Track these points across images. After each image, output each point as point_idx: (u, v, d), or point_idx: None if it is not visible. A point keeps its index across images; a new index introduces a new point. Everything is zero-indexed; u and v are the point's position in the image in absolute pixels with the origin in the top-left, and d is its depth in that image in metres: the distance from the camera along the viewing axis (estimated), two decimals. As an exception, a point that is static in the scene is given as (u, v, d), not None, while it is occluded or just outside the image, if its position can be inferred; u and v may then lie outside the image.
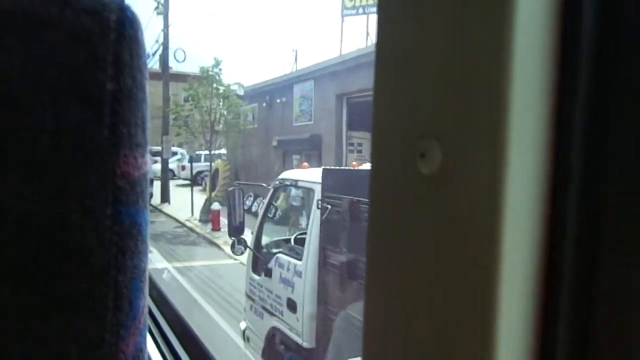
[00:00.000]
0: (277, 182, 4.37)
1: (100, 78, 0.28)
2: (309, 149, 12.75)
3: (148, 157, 0.31)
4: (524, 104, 0.25)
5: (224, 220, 12.57)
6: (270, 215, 4.60)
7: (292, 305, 3.75)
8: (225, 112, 14.68)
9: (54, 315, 0.28)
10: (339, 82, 11.45)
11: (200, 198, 14.43)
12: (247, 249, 4.24)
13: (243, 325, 4.66)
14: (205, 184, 16.83)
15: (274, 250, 4.38)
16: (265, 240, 4.53)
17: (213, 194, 14.85)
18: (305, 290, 3.62)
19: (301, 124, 13.30)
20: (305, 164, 4.54)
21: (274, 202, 4.56)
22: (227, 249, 10.71)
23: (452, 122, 0.27)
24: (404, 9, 0.30)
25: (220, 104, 14.59)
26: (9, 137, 0.26)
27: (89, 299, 0.28)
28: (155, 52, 17.08)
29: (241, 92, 14.80)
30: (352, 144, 12.15)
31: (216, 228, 12.19)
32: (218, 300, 7.21)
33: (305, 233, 4.40)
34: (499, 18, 0.25)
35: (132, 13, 0.29)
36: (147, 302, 0.32)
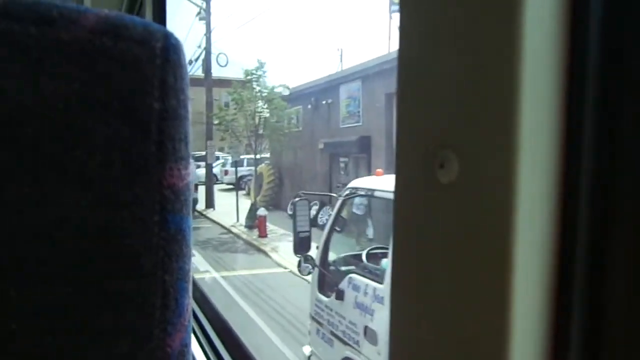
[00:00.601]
0: (347, 192, 3.85)
1: (148, 100, 0.30)
2: (358, 152, 12.22)
3: (190, 168, 0.33)
4: (535, 116, 0.27)
5: (270, 226, 12.37)
6: (339, 229, 4.08)
7: (371, 336, 3.24)
8: (268, 115, 14.36)
9: (108, 312, 0.30)
10: (388, 81, 10.87)
11: (243, 203, 14.16)
12: (315, 268, 3.73)
13: (307, 350, 4.17)
14: (249, 189, 16.60)
15: (343, 268, 3.88)
16: (332, 255, 4.03)
17: (258, 198, 14.57)
18: (389, 320, 3.09)
19: (348, 126, 12.79)
20: (380, 170, 3.97)
21: (342, 214, 4.04)
22: (275, 256, 10.42)
23: (468, 134, 0.29)
24: (423, 26, 0.32)
25: (265, 106, 14.28)
26: (67, 154, 0.29)
27: (139, 298, 0.31)
28: (198, 57, 17.02)
29: (286, 94, 14.45)
30: (403, 146, 11.52)
31: (262, 234, 11.91)
32: (273, 316, 6.76)
33: (378, 248, 3.87)
34: (508, 37, 0.26)
35: (176, 39, 0.32)
36: (191, 300, 0.34)
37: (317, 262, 3.85)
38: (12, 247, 0.29)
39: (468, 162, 0.29)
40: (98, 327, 0.30)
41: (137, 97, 0.30)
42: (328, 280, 3.87)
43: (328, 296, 3.80)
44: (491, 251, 0.28)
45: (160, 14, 1.83)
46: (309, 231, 3.70)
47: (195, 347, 1.36)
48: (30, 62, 0.29)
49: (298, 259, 3.71)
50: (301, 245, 3.70)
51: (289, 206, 14.74)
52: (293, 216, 3.76)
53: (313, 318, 4.03)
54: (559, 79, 0.27)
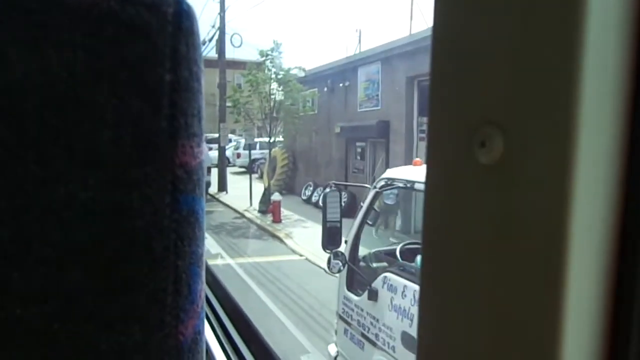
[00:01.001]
0: (382, 183, 3.53)
1: (159, 71, 0.28)
2: (376, 137, 11.88)
3: (204, 146, 0.32)
4: (597, 98, 0.24)
5: (284, 211, 12.15)
6: (371, 222, 3.77)
7: (410, 343, 2.96)
8: (283, 98, 14.03)
9: (118, 298, 0.29)
10: (409, 63, 10.46)
11: (255, 186, 13.94)
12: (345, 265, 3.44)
13: (333, 350, 3.91)
14: (262, 172, 16.38)
15: (375, 265, 3.59)
16: (362, 250, 3.74)
17: (271, 181, 14.34)
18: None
19: (366, 110, 12.42)
20: (418, 159, 3.63)
21: (375, 207, 3.73)
22: (290, 243, 10.21)
23: (518, 111, 0.26)
24: None
25: (280, 89, 13.94)
26: (74, 130, 0.27)
27: (151, 283, 0.29)
28: (212, 38, 16.66)
29: (302, 76, 14.08)
30: (423, 131, 11.13)
31: (277, 219, 11.72)
32: (292, 308, 6.53)
33: (413, 243, 3.57)
34: (571, 3, 0.23)
35: (188, 5, 0.29)
36: (204, 286, 0.32)
37: (347, 257, 3.56)
38: (16, 229, 0.27)
39: (515, 140, 0.26)
40: (107, 314, 0.29)
41: (146, 67, 0.28)
42: (358, 278, 3.58)
43: (358, 295, 3.52)
44: (540, 244, 0.25)
45: None
46: (340, 225, 3.40)
47: (211, 338, 1.28)
48: (33, 27, 0.26)
49: (328, 255, 3.41)
50: (331, 240, 3.40)
51: (303, 191, 14.68)
52: (323, 208, 3.44)
53: (340, 317, 3.76)
54: (627, 55, 0.24)
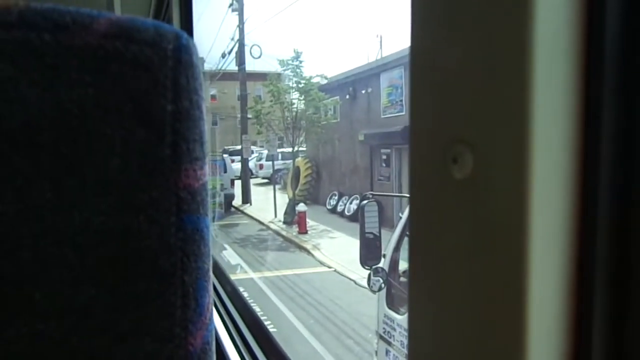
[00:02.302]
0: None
1: (161, 102, 0.30)
2: (401, 143, 11.58)
3: (207, 168, 0.33)
4: (550, 110, 0.26)
5: (309, 222, 11.95)
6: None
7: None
8: (303, 107, 13.88)
9: (130, 312, 0.30)
10: (434, 66, 10.16)
11: (279, 197, 13.77)
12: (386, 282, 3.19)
13: (374, 372, 3.65)
14: (284, 183, 16.23)
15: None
16: (403, 264, 3.48)
17: (295, 192, 14.16)
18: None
19: (390, 116, 12.15)
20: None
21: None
22: (318, 255, 9.99)
23: (481, 128, 0.28)
24: (435, 19, 0.31)
25: (301, 98, 13.80)
26: (85, 160, 0.30)
27: (160, 298, 0.31)
28: (231, 50, 16.68)
29: (324, 83, 13.93)
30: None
31: (302, 230, 11.51)
32: (327, 326, 6.27)
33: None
34: (521, 30, 0.26)
35: (187, 39, 0.31)
36: (212, 299, 0.34)
37: (387, 272, 3.30)
38: (36, 252, 0.29)
39: (482, 157, 0.28)
40: (121, 327, 0.30)
41: (150, 99, 0.30)
42: (399, 294, 3.32)
43: (400, 313, 3.26)
44: (506, 248, 0.27)
45: (186, 14, 1.86)
46: (380, 238, 3.16)
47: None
48: (46, 69, 0.29)
49: (367, 272, 3.16)
50: (370, 255, 3.16)
51: (327, 200, 14.47)
52: (360, 221, 3.21)
53: (381, 337, 3.50)
54: (576, 72, 0.26)
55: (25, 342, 0.29)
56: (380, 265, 3.19)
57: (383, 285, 3.17)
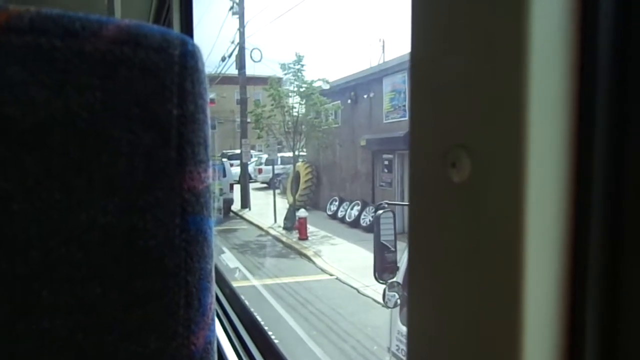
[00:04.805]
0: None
1: (167, 106, 0.31)
2: (404, 148, 11.40)
3: (210, 171, 0.34)
4: (546, 116, 0.27)
5: (309, 228, 11.74)
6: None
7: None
8: (304, 111, 13.70)
9: (135, 311, 0.31)
10: (438, 71, 10.01)
11: (278, 202, 13.55)
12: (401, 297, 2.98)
13: (385, 390, 3.44)
14: (284, 188, 16.01)
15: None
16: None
17: (295, 196, 13.95)
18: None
19: (393, 121, 11.98)
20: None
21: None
22: (319, 262, 9.77)
23: (479, 133, 0.29)
24: (434, 26, 0.32)
25: (303, 102, 13.62)
26: (93, 162, 0.30)
27: (163, 297, 0.31)
28: (231, 53, 16.49)
29: (326, 88, 13.75)
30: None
31: (303, 237, 11.30)
32: (330, 337, 6.05)
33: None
34: (518, 38, 0.27)
35: (193, 45, 0.32)
36: (214, 300, 0.35)
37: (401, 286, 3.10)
38: (44, 251, 0.30)
39: (480, 161, 0.29)
40: (125, 325, 0.31)
41: (156, 103, 0.31)
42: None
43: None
44: (503, 249, 0.28)
45: (187, 18, 1.85)
46: (395, 251, 2.96)
47: None
48: (56, 74, 0.30)
49: (383, 286, 2.96)
50: (385, 268, 2.96)
51: (328, 206, 14.27)
52: (375, 232, 3.01)
53: (394, 354, 3.30)
54: (570, 77, 0.27)
55: (32, 340, 0.30)
56: (396, 279, 2.98)
57: (399, 300, 2.97)
